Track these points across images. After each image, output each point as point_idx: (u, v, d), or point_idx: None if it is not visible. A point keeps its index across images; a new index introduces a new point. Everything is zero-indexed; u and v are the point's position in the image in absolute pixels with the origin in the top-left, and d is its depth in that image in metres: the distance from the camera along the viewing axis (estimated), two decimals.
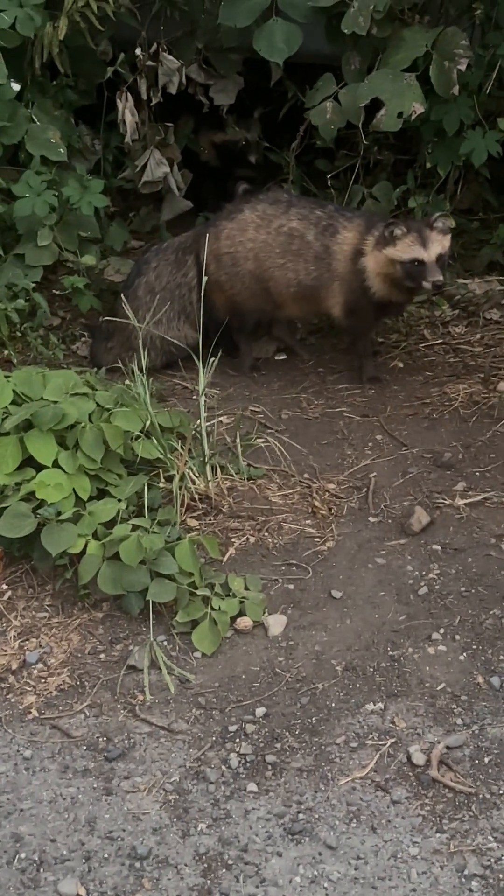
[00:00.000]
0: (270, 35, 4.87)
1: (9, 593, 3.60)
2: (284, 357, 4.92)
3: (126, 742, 3.09)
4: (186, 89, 5.43)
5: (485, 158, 4.87)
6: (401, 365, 4.77)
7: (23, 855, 2.79)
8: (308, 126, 5.16)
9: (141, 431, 3.83)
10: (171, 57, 5.20)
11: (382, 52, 4.81)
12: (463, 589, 3.57)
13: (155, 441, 3.85)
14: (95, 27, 4.93)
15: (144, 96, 5.29)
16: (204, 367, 3.95)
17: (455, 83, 4.68)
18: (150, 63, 5.20)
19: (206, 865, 2.75)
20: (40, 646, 3.41)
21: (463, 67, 4.65)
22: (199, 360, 3.99)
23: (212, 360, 4.05)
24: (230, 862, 2.75)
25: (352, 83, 4.88)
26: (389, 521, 3.87)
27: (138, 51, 5.17)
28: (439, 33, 4.67)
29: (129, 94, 5.20)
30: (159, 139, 5.46)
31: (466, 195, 5.34)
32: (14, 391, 3.84)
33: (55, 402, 3.77)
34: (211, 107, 5.64)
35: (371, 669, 3.29)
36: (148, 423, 3.85)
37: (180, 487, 3.76)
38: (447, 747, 3.03)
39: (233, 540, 3.78)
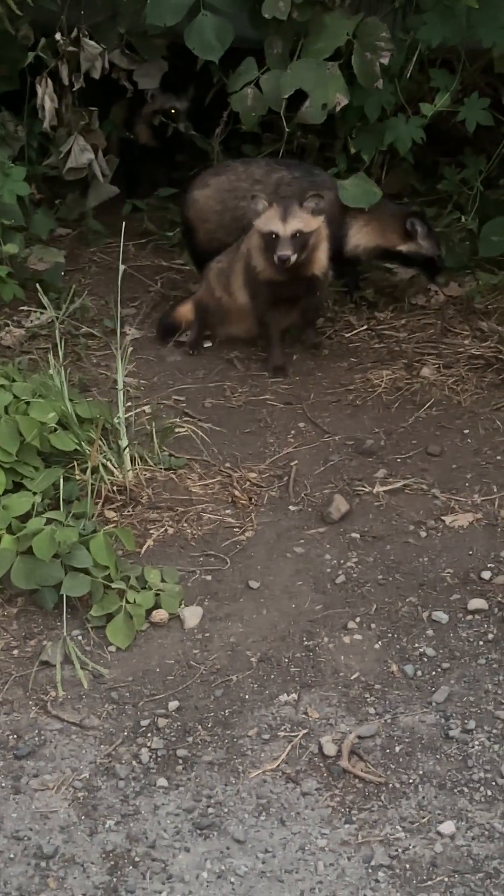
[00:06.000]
0: (201, 31, 4.83)
1: None
2: (210, 345, 4.88)
3: (36, 739, 3.06)
4: (110, 74, 5.37)
5: (409, 146, 4.86)
6: (325, 351, 4.75)
7: None
8: (233, 111, 5.12)
9: (57, 422, 3.79)
10: (92, 42, 5.14)
11: (304, 38, 4.78)
12: (380, 577, 3.57)
13: (72, 432, 3.81)
14: (14, 12, 4.85)
15: (67, 82, 5.23)
16: (122, 358, 3.92)
17: (378, 76, 4.67)
18: (70, 48, 5.13)
19: (112, 863, 2.73)
20: None
21: (385, 61, 4.64)
22: (117, 349, 3.96)
23: (129, 349, 4.02)
24: (137, 859, 2.73)
25: (274, 68, 4.84)
26: (309, 509, 3.86)
27: (58, 35, 5.10)
28: (359, 23, 4.64)
29: (48, 80, 5.14)
30: (83, 124, 5.39)
31: (393, 180, 5.32)
32: None
33: None
34: (138, 91, 5.60)
35: (286, 660, 3.28)
36: (63, 413, 3.80)
37: (96, 479, 3.72)
38: (359, 737, 3.02)
39: (151, 531, 3.75)
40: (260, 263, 4.53)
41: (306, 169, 4.85)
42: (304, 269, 4.47)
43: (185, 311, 4.90)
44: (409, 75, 4.82)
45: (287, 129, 4.96)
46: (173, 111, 5.86)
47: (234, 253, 4.76)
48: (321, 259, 4.56)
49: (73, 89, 5.27)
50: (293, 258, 4.35)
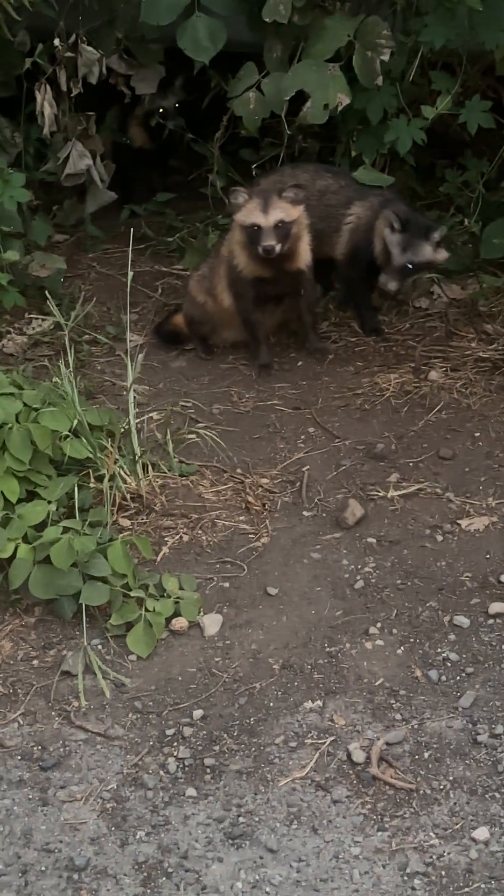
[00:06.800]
0: (194, 32, 4.80)
1: None
2: (216, 350, 4.85)
3: (61, 750, 3.03)
4: (108, 79, 5.35)
5: (409, 147, 4.85)
6: (331, 356, 4.73)
7: None
8: (232, 115, 5.11)
9: (70, 430, 3.76)
10: (90, 48, 5.10)
11: (304, 41, 4.77)
12: (399, 582, 3.55)
13: (84, 440, 3.78)
14: (12, 17, 4.82)
15: (64, 87, 5.19)
16: (132, 362, 3.90)
17: (378, 73, 4.66)
18: (68, 54, 5.10)
19: (145, 874, 2.70)
20: None
21: (386, 58, 4.64)
22: (126, 356, 3.93)
23: (139, 355, 4.00)
24: (170, 870, 2.71)
25: (274, 72, 4.84)
26: (324, 514, 3.84)
27: (57, 41, 5.07)
28: (361, 22, 4.64)
29: (47, 86, 5.10)
30: (81, 129, 5.36)
31: (393, 182, 5.30)
32: None
33: None
34: (135, 96, 5.58)
35: (309, 667, 3.26)
36: (76, 421, 3.77)
37: (111, 487, 3.70)
38: (387, 743, 3.01)
39: (166, 539, 3.73)
40: (242, 260, 4.54)
41: (353, 178, 4.85)
42: (288, 263, 4.49)
43: (181, 320, 4.89)
44: (410, 78, 4.80)
45: (288, 133, 4.94)
46: (161, 110, 5.85)
47: (215, 258, 4.76)
48: (304, 252, 4.57)
49: (71, 95, 5.24)
50: (277, 248, 4.36)
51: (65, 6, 5.11)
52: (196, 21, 4.80)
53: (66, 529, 3.46)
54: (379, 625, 3.39)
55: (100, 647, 3.34)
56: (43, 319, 4.92)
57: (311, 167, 4.96)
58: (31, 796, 2.90)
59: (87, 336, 4.83)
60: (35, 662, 3.31)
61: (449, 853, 2.73)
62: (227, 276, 4.65)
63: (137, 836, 2.80)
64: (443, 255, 4.65)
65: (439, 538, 3.72)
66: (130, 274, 4.05)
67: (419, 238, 4.57)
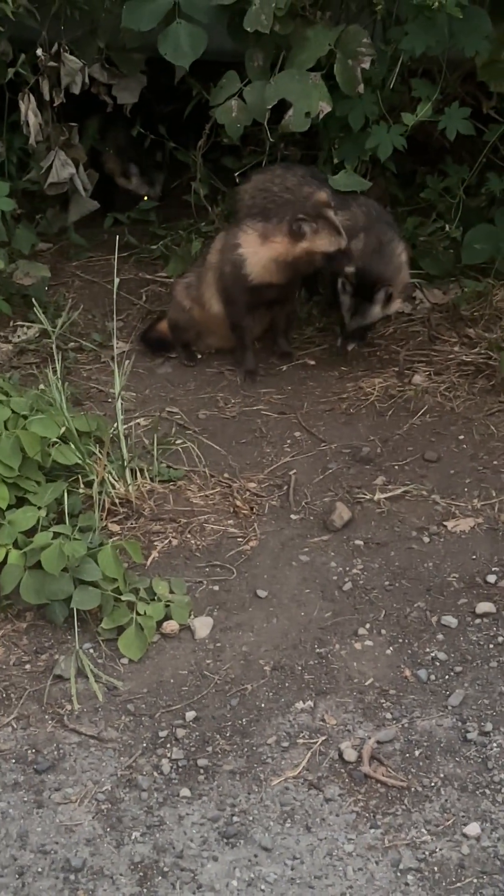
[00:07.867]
0: (175, 39, 4.84)
1: None
2: (200, 357, 4.88)
3: (55, 753, 3.06)
4: (90, 89, 5.38)
5: (390, 153, 4.89)
6: (311, 362, 4.77)
7: None
8: (214, 123, 5.14)
9: (58, 437, 3.78)
10: (72, 57, 5.14)
11: (286, 50, 4.82)
12: (387, 583, 3.59)
13: (73, 446, 3.81)
14: None
15: (47, 97, 5.22)
16: (119, 368, 3.93)
17: (359, 81, 4.70)
18: (51, 63, 5.13)
19: (141, 874, 2.73)
20: None
21: (367, 65, 4.68)
22: (113, 362, 3.96)
23: (126, 362, 4.03)
24: (166, 869, 2.74)
25: (256, 80, 4.88)
26: (311, 517, 3.88)
27: (39, 51, 5.09)
28: (342, 32, 4.69)
29: (31, 96, 5.13)
30: (64, 139, 5.39)
31: (374, 189, 5.35)
32: None
33: None
34: (116, 106, 5.61)
35: (299, 668, 3.29)
36: (65, 428, 3.80)
37: (100, 492, 3.72)
38: (378, 742, 3.04)
39: (155, 543, 3.76)
40: (258, 268, 4.52)
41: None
42: (306, 267, 4.52)
43: (166, 326, 4.92)
44: (391, 86, 4.85)
45: (271, 140, 4.98)
46: (146, 197, 5.97)
47: (202, 266, 4.79)
48: None
49: (54, 105, 5.27)
50: None
51: (47, 16, 5.13)
52: (177, 28, 4.84)
53: (56, 535, 3.48)
54: (368, 626, 3.43)
55: (91, 650, 3.37)
56: (28, 327, 4.94)
57: (300, 171, 4.99)
58: (25, 799, 2.93)
59: (72, 343, 4.86)
60: (27, 667, 3.33)
61: (441, 849, 2.76)
62: (218, 282, 4.67)
63: (133, 837, 2.82)
64: (396, 306, 4.64)
65: (426, 540, 3.76)
66: (116, 281, 4.07)
67: (366, 301, 4.56)
